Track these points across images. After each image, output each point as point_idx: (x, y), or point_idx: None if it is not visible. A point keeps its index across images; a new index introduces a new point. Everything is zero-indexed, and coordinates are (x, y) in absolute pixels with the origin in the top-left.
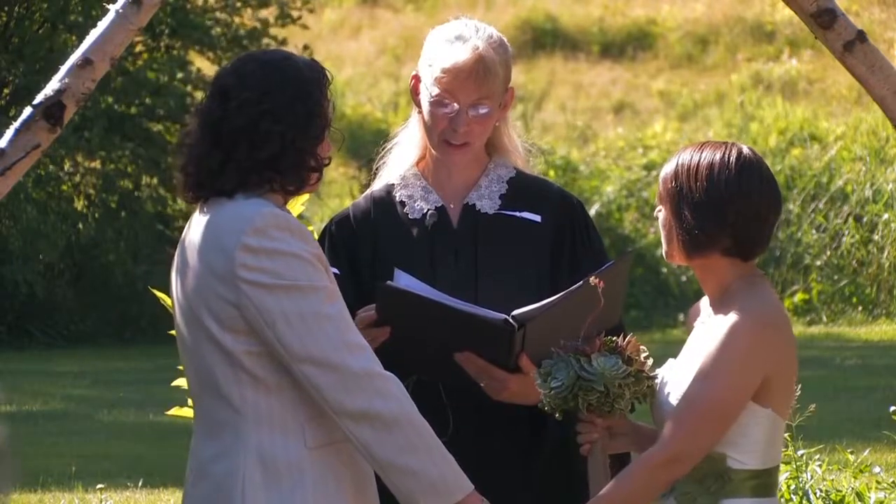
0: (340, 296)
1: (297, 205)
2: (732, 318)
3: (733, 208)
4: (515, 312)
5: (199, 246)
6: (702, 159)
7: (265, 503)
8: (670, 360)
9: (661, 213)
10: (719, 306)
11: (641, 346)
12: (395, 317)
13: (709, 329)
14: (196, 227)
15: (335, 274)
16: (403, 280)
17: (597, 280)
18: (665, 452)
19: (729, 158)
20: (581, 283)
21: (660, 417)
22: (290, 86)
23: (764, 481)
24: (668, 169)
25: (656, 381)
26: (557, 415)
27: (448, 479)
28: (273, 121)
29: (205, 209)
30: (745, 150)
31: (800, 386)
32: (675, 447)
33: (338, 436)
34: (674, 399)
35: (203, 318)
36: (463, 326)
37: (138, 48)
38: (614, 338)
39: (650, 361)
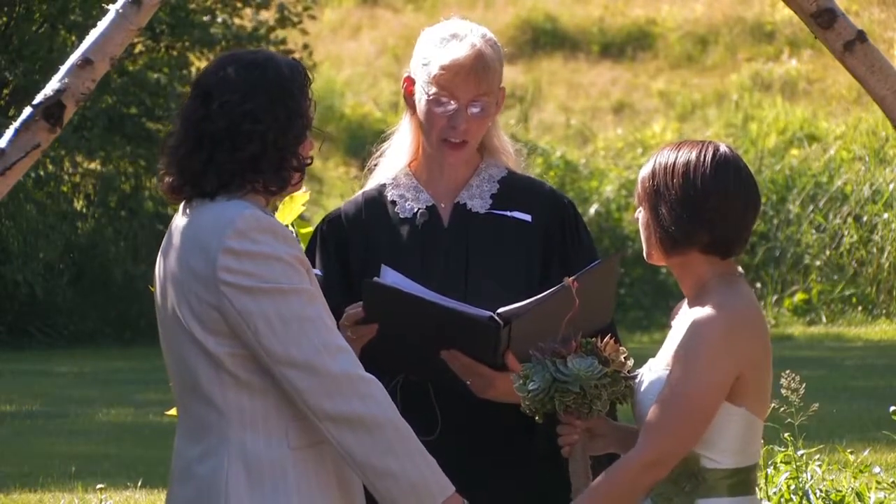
0: (322, 298)
1: (297, 205)
2: (705, 315)
3: (710, 205)
4: (501, 310)
5: (181, 248)
6: (678, 158)
7: None
8: (650, 360)
9: (640, 213)
10: (695, 304)
11: (621, 348)
12: (381, 314)
13: (683, 326)
14: (178, 229)
15: (316, 275)
16: (390, 276)
17: (571, 281)
18: (645, 455)
19: (705, 156)
20: (572, 279)
21: (640, 417)
22: (271, 86)
23: (741, 479)
24: (645, 169)
25: (635, 381)
26: (538, 417)
27: (429, 482)
28: (254, 121)
29: (187, 210)
30: (723, 147)
31: (804, 385)
32: (655, 450)
33: (321, 436)
34: (651, 398)
35: (185, 320)
36: (449, 323)
37: (138, 48)
38: (591, 339)
39: (630, 362)
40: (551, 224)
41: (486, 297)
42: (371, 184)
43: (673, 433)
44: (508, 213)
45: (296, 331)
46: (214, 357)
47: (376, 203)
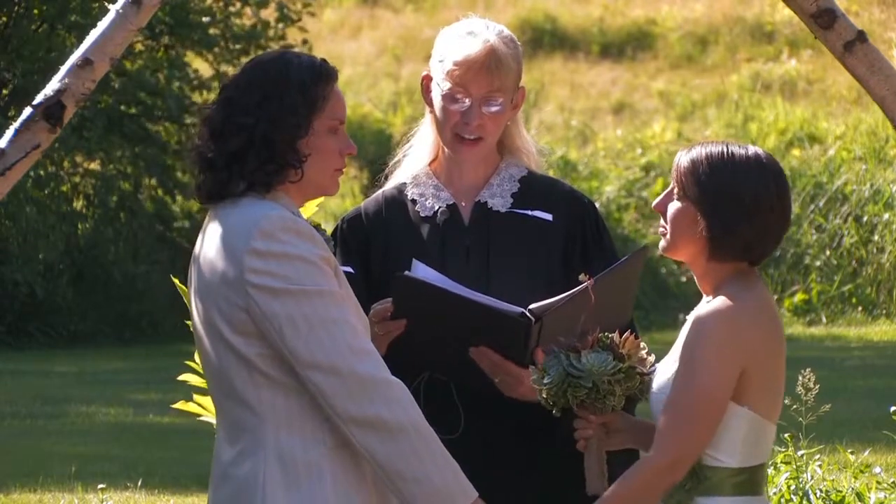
0: (350, 299)
1: (310, 206)
2: (709, 310)
3: (769, 219)
4: (532, 306)
5: (210, 250)
6: (735, 163)
7: None
8: (665, 358)
9: (676, 206)
10: (710, 298)
11: (641, 344)
12: (410, 309)
13: (691, 322)
14: (209, 230)
15: (347, 272)
16: (420, 270)
17: (588, 279)
18: (661, 460)
19: (764, 166)
20: (594, 278)
21: (654, 413)
22: (268, 82)
23: (747, 479)
24: (691, 163)
25: (651, 377)
26: (555, 411)
27: (452, 487)
28: (244, 114)
29: (217, 211)
30: (768, 154)
31: (817, 387)
32: (669, 453)
33: None
34: (661, 395)
35: (216, 321)
36: (479, 319)
37: (138, 48)
38: (609, 335)
39: (651, 358)
40: (572, 224)
41: (506, 295)
42: (391, 183)
43: (684, 434)
44: (529, 213)
45: (320, 333)
46: (246, 358)
47: (397, 202)
